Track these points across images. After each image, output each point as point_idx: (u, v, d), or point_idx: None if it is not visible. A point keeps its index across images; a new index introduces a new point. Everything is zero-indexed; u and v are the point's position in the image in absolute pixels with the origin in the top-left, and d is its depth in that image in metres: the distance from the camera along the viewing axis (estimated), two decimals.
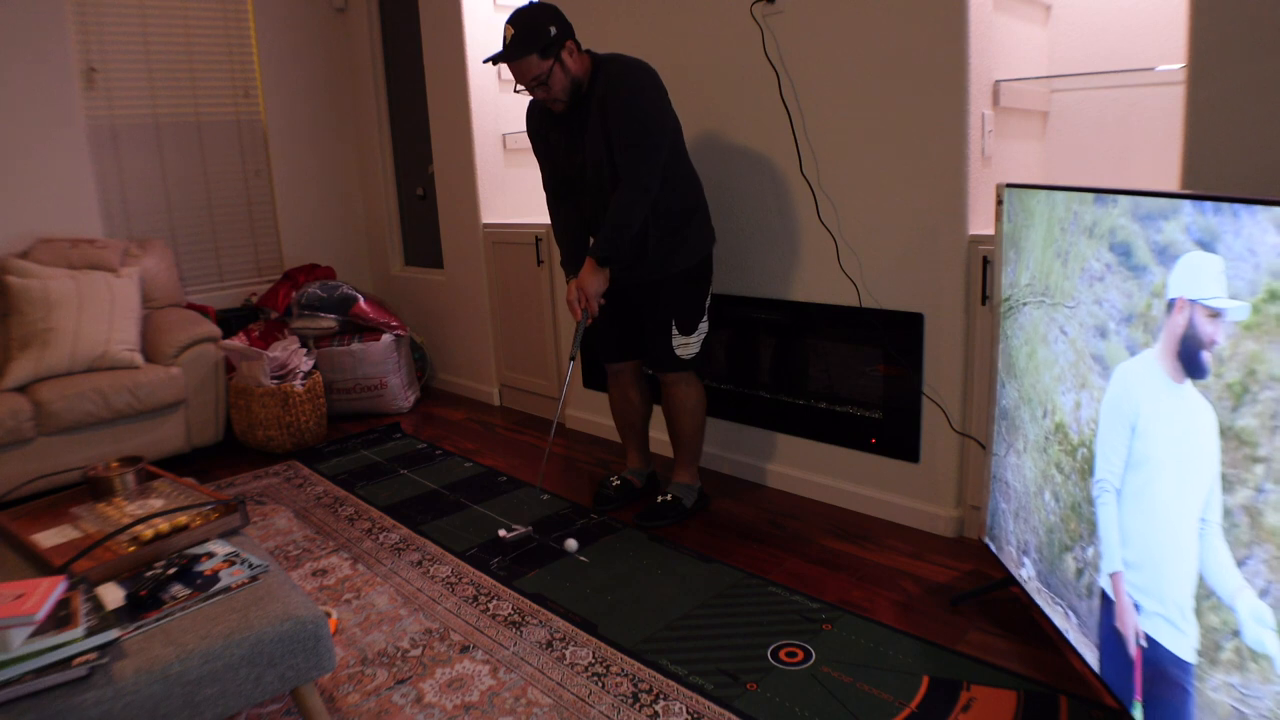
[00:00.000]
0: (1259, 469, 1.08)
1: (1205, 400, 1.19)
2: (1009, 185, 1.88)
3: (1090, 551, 1.55)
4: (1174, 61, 2.07)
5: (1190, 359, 1.23)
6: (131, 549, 1.63)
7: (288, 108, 4.33)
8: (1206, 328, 1.19)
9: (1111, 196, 1.43)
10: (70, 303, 3.18)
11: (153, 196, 3.96)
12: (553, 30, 2.24)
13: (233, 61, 4.14)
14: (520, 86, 2.32)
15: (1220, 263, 1.16)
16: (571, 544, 2.44)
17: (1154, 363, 1.32)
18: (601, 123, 2.30)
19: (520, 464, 3.22)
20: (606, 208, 2.34)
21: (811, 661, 1.84)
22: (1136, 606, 1.38)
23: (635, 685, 1.79)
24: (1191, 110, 1.74)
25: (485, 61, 2.36)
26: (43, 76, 3.51)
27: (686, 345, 2.50)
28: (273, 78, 4.25)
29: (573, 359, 2.55)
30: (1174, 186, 1.81)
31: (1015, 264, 1.87)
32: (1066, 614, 1.67)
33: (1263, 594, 1.09)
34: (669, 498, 2.63)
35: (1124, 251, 1.40)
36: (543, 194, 2.70)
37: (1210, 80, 1.71)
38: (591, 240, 2.54)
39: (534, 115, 2.53)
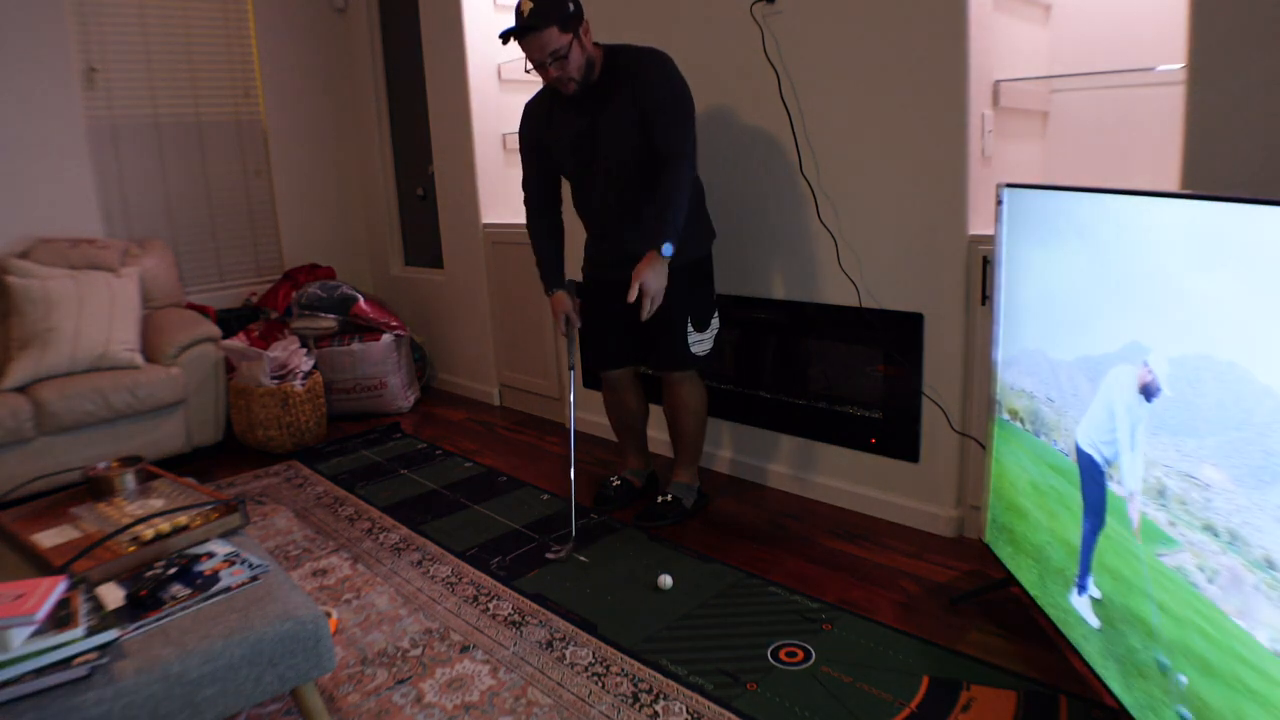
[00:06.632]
0: None
1: None
2: (1009, 185, 1.88)
3: None
4: (1174, 61, 2.07)
5: None
6: (131, 549, 1.63)
7: (288, 108, 4.33)
8: None
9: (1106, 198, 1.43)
10: (70, 303, 3.18)
11: (153, 196, 3.96)
12: (571, 6, 2.16)
13: (233, 61, 4.14)
14: (530, 66, 2.22)
15: None
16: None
17: None
18: (630, 104, 2.23)
19: (521, 464, 3.21)
20: (627, 194, 2.31)
21: (811, 661, 1.84)
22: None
23: (635, 685, 1.79)
24: (1191, 110, 1.74)
25: (501, 35, 2.21)
26: (43, 76, 3.51)
27: (701, 341, 2.48)
28: (273, 78, 4.25)
29: (572, 369, 2.55)
30: (1174, 186, 1.81)
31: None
32: None
33: None
34: (669, 498, 2.62)
35: None
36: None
37: (1210, 80, 1.71)
38: (599, 245, 2.54)
39: (535, 114, 2.45)
